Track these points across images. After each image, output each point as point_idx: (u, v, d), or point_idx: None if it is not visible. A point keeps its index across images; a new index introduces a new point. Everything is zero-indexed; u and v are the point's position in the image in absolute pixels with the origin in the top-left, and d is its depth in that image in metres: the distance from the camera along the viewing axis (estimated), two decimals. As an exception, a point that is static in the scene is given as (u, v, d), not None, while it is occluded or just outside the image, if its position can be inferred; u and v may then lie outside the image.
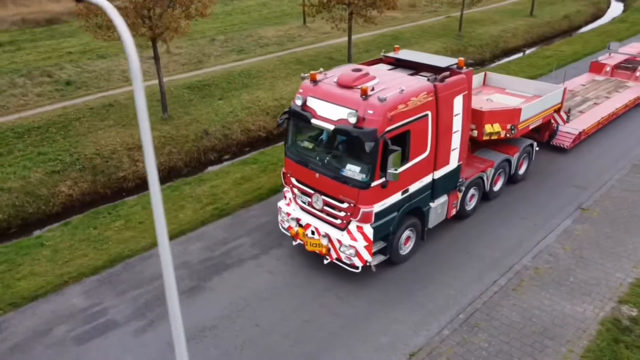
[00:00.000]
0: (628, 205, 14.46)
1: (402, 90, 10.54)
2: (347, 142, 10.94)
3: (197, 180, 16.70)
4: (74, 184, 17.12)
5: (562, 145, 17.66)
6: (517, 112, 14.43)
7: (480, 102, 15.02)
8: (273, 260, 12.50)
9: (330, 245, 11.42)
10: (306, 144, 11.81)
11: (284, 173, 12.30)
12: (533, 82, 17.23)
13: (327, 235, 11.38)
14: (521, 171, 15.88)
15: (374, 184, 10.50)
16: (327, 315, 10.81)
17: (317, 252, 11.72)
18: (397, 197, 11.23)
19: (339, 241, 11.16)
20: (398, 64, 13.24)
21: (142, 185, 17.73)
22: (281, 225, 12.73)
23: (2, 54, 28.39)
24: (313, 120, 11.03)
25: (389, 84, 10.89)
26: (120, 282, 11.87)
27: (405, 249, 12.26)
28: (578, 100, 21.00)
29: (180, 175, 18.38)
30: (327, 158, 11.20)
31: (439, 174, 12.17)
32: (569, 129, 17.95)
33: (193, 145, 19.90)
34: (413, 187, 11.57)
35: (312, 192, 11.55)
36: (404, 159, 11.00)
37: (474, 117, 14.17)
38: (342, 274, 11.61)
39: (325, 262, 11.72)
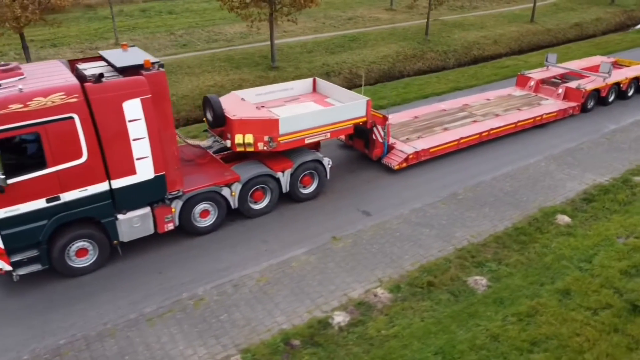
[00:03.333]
0: (388, 239, 12.43)
1: (21, 90, 9.68)
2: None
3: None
4: None
5: (389, 165, 15.59)
6: (273, 123, 12.88)
7: (249, 109, 13.59)
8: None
9: (-18, 250, 10.80)
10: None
11: None
12: (349, 92, 15.30)
13: (-27, 239, 10.78)
14: (308, 189, 14.21)
15: (-17, 188, 9.73)
16: (-54, 323, 10.21)
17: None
18: (39, 204, 10.33)
19: (-21, 246, 10.52)
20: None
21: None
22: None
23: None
24: None
25: (28, 82, 10.06)
26: None
27: (82, 262, 11.33)
28: (459, 116, 18.59)
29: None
30: None
31: (119, 183, 11.08)
32: (404, 149, 15.85)
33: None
34: (69, 196, 10.60)
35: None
36: (42, 164, 10.13)
37: (228, 125, 12.99)
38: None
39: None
